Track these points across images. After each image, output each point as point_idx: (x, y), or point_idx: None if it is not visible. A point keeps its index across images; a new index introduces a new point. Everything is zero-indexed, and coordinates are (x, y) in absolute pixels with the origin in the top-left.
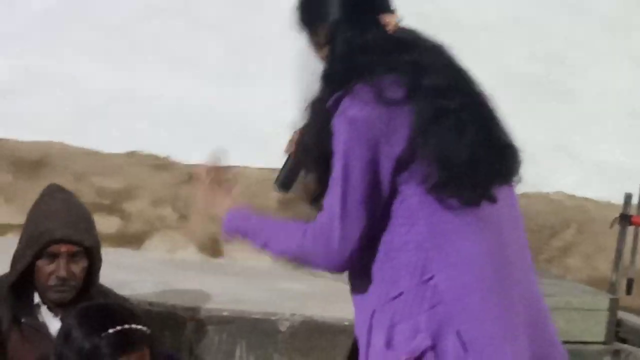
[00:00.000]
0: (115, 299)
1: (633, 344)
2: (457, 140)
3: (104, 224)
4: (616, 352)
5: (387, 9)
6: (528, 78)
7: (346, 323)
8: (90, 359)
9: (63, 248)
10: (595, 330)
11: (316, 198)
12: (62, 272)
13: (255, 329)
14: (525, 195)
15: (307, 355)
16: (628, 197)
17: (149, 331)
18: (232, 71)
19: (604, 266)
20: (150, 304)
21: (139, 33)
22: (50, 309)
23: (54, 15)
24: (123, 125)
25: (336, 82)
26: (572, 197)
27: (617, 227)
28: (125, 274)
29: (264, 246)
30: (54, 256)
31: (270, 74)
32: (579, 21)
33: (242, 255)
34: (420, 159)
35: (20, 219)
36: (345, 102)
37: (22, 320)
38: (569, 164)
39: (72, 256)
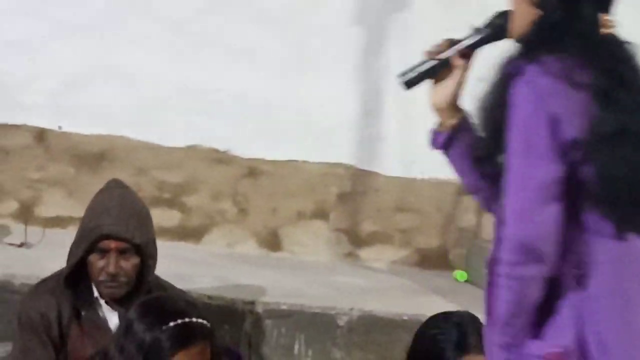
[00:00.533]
0: (174, 292)
1: None
2: (631, 162)
3: (164, 217)
4: None
5: (607, 9)
6: None
7: (405, 318)
8: (150, 352)
9: (113, 244)
10: None
11: (480, 159)
12: (111, 268)
13: (314, 324)
14: None
15: (365, 350)
16: None
17: (208, 325)
18: (293, 64)
19: None
20: (210, 297)
21: (201, 26)
22: (108, 303)
23: (117, 9)
24: (184, 118)
25: (533, 50)
26: None
27: None
28: (184, 267)
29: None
30: (105, 252)
31: (331, 66)
32: None
33: (300, 250)
34: (592, 160)
35: (81, 212)
36: (532, 70)
37: (82, 313)
38: None
39: (122, 252)
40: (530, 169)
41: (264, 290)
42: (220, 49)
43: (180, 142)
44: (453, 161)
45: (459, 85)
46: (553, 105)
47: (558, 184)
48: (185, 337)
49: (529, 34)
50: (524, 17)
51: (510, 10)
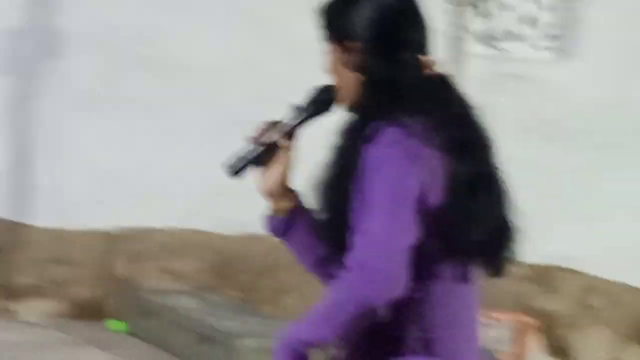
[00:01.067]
0: None
1: None
2: (486, 208)
3: None
4: None
5: (426, 48)
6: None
7: None
8: None
9: None
10: None
11: (326, 227)
12: None
13: None
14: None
15: None
16: None
17: None
18: None
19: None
20: None
21: None
22: None
23: None
24: None
25: (372, 114)
26: None
27: None
28: None
29: (328, 339)
30: None
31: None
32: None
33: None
34: (449, 218)
35: None
36: (387, 135)
37: None
38: None
39: None
40: (394, 231)
41: None
42: None
43: None
44: (293, 245)
45: (287, 166)
46: (420, 167)
47: (415, 243)
48: None
49: (363, 99)
50: (350, 85)
51: (330, 84)
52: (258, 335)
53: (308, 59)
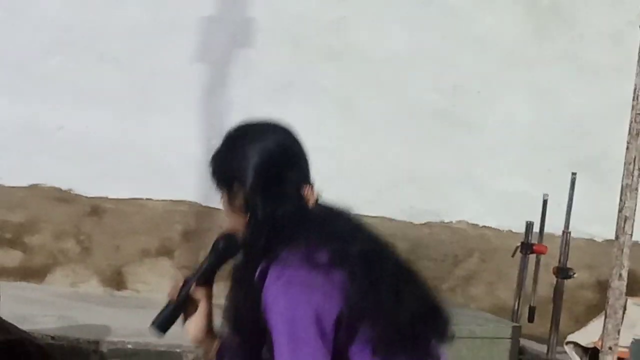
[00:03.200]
0: (17, 333)
1: None
2: (396, 303)
3: (6, 257)
4: None
5: (307, 180)
6: (433, 109)
7: None
8: None
9: None
10: (499, 358)
11: None
12: None
13: None
14: (428, 225)
15: None
16: (529, 226)
17: None
18: (137, 104)
19: (505, 294)
20: (53, 338)
21: (44, 66)
22: None
23: None
24: (25, 158)
25: (260, 252)
26: (475, 226)
27: (518, 256)
28: (27, 308)
29: None
30: None
31: (174, 105)
32: (482, 54)
33: (145, 288)
34: (361, 323)
35: None
36: (276, 270)
37: None
38: (472, 194)
39: None
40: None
41: (109, 330)
42: (63, 89)
43: (21, 181)
44: None
45: (208, 314)
46: (309, 293)
47: None
48: None
49: (249, 239)
50: (241, 227)
51: (228, 232)
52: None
53: (493, 51)
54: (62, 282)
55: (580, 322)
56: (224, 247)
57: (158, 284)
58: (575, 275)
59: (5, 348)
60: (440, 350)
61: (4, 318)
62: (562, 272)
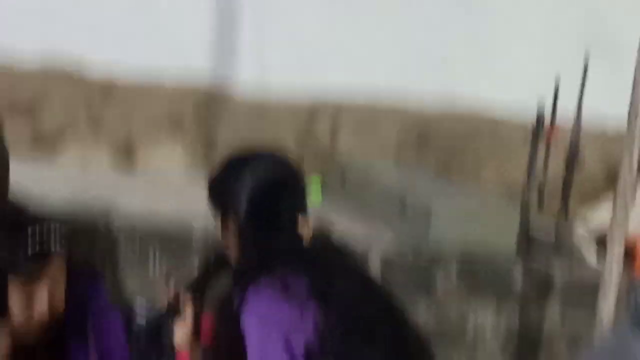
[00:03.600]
0: (29, 208)
1: (541, 253)
2: (369, 345)
3: (18, 131)
4: (526, 260)
5: (302, 211)
6: None
7: None
8: (7, 268)
9: None
10: (507, 239)
11: None
12: None
13: (169, 238)
14: (439, 106)
15: None
16: (541, 105)
17: (64, 241)
18: None
19: (516, 176)
20: (64, 213)
21: None
22: None
23: None
24: (36, 27)
25: (245, 277)
26: (486, 107)
27: (529, 137)
28: (39, 183)
29: None
30: None
31: None
32: None
33: (154, 164)
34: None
35: None
36: (252, 299)
37: None
38: (483, 71)
39: None
40: None
41: (119, 205)
42: None
43: (33, 53)
44: None
45: (195, 320)
46: (279, 323)
47: None
48: (42, 252)
49: (239, 264)
50: (235, 248)
51: (222, 250)
52: (454, 204)
53: None
54: (74, 158)
55: (590, 206)
56: (214, 263)
57: (167, 161)
58: (585, 158)
59: (21, 226)
60: None
61: (15, 196)
62: (572, 152)
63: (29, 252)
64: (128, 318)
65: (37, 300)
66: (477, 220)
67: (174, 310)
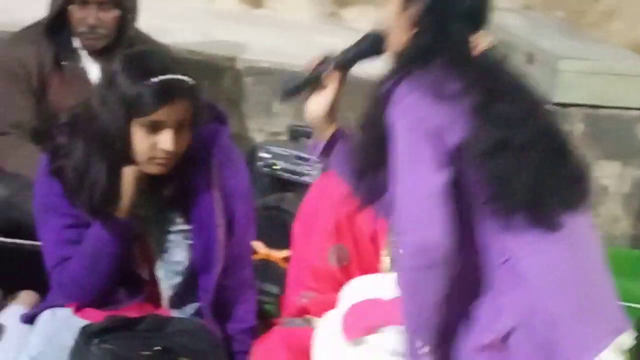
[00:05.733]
0: (155, 46)
1: None
2: (518, 169)
3: None
4: None
5: (478, 29)
6: None
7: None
8: (132, 105)
9: None
10: (635, 96)
11: (360, 176)
12: (91, 20)
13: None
14: None
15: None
16: None
17: (191, 81)
18: None
19: None
20: (190, 52)
21: None
22: (90, 54)
23: None
24: None
25: (406, 66)
26: None
27: None
28: (165, 21)
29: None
30: (85, 3)
31: None
32: None
33: (283, 7)
34: (480, 160)
35: None
36: (403, 89)
37: (63, 63)
38: None
39: (101, 4)
40: (418, 180)
41: (245, 47)
42: None
43: None
44: (334, 167)
45: (334, 98)
46: (428, 119)
47: (446, 189)
48: (169, 93)
49: (403, 52)
50: (400, 34)
51: (385, 30)
52: (582, 57)
53: None
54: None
55: None
56: (373, 42)
57: (295, 4)
58: None
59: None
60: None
61: (142, 30)
62: None
63: (157, 97)
64: (251, 157)
65: (162, 141)
66: (605, 73)
67: (316, 79)
